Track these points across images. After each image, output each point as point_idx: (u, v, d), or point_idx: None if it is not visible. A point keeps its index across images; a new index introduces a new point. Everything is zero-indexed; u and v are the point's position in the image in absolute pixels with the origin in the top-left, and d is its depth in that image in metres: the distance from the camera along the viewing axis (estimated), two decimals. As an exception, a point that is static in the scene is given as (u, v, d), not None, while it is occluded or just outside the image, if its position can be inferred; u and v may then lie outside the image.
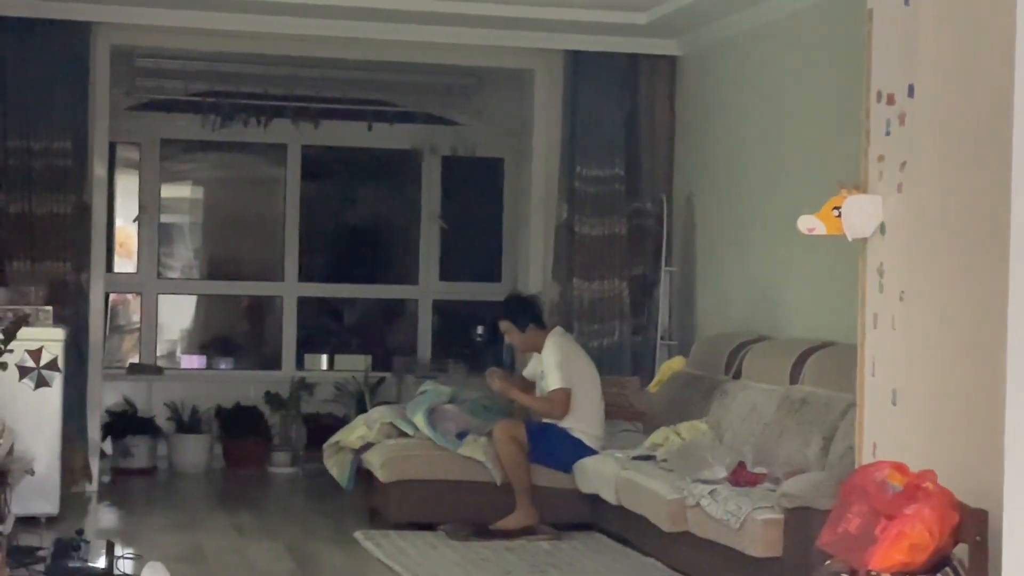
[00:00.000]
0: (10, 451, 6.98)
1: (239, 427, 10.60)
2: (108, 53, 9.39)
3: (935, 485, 4.09)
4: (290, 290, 11.31)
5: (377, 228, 11.96)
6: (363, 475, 8.44)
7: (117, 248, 11.23)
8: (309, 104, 10.95)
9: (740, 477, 6.72)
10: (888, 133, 4.80)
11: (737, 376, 8.07)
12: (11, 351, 7.38)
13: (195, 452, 10.49)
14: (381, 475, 8.05)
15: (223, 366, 11.30)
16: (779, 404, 7.27)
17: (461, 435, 8.13)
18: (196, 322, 11.72)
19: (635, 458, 7.68)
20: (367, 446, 8.35)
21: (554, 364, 8.07)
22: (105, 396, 9.90)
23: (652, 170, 9.89)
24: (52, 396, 7.98)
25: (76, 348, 8.86)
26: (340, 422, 9.79)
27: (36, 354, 7.92)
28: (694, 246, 9.59)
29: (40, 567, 6.41)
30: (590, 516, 7.99)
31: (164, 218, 11.29)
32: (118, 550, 6.77)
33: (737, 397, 7.78)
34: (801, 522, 5.85)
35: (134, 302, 11.32)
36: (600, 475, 7.70)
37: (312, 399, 10.83)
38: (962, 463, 4.26)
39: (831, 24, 7.83)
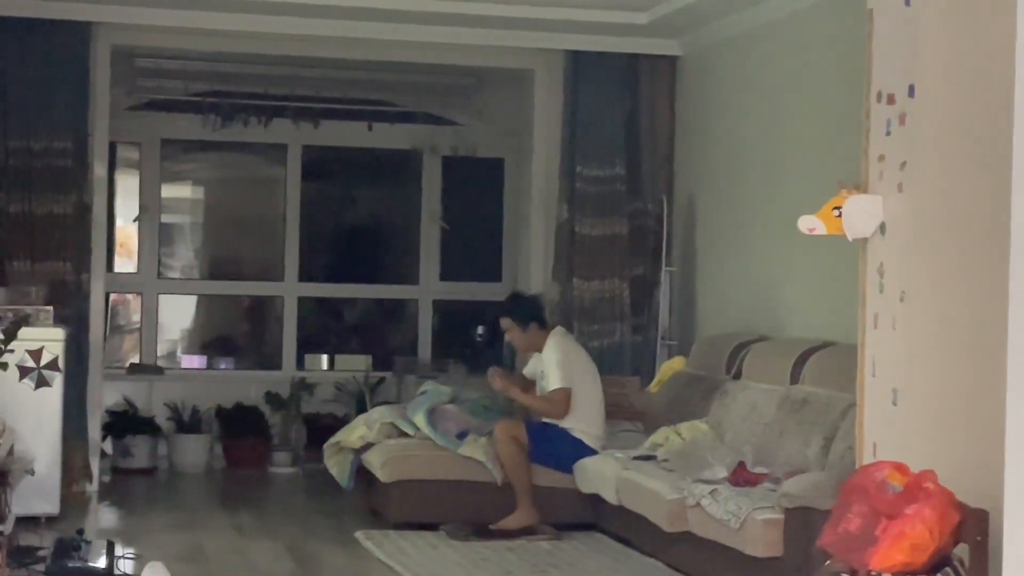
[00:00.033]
0: (10, 451, 6.99)
1: (239, 427, 10.60)
2: (108, 53, 9.39)
3: (935, 485, 4.09)
4: (290, 290, 11.31)
5: (377, 228, 11.96)
6: (363, 475, 8.44)
7: (117, 248, 11.23)
8: (309, 104, 10.96)
9: (740, 477, 6.72)
10: (888, 133, 4.80)
11: (737, 376, 8.07)
12: (12, 351, 7.39)
13: (195, 452, 10.49)
14: (381, 475, 8.05)
15: (223, 366, 11.31)
16: (779, 404, 7.27)
17: (461, 435, 8.13)
18: (196, 322, 11.72)
19: (636, 458, 7.68)
20: (367, 446, 8.36)
21: (555, 364, 8.07)
22: (105, 396, 9.90)
23: (652, 170, 9.90)
24: (52, 396, 7.98)
25: (76, 348, 8.86)
26: (340, 422, 9.79)
27: (36, 354, 7.91)
28: (694, 246, 9.59)
29: (40, 567, 6.41)
30: (591, 516, 7.99)
31: (164, 218, 11.29)
32: (118, 550, 6.77)
33: (737, 397, 7.78)
34: (801, 522, 5.85)
35: (134, 302, 11.32)
36: (601, 475, 7.70)
37: (312, 399, 10.83)
38: (963, 463, 4.26)
39: (831, 24, 7.83)
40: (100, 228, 9.41)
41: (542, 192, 10.01)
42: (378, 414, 8.53)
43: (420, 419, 8.20)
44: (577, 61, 9.76)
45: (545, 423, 8.12)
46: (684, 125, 9.85)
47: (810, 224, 4.85)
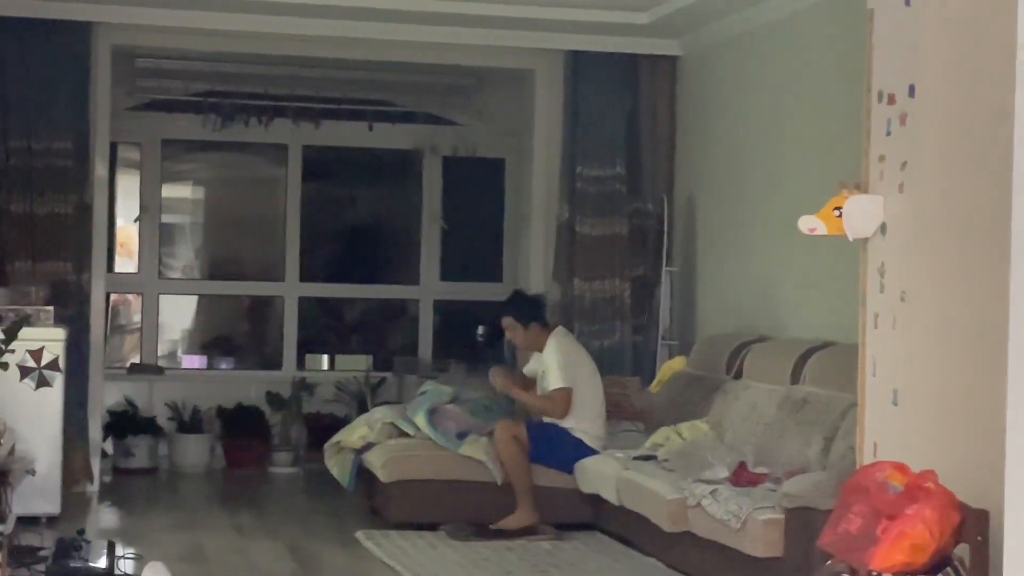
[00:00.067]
0: (11, 451, 6.99)
1: (240, 427, 10.60)
2: (109, 53, 9.39)
3: (936, 485, 4.09)
4: (291, 290, 11.31)
5: (378, 228, 11.96)
6: (364, 475, 8.44)
7: (118, 248, 11.23)
8: (310, 104, 10.95)
9: (741, 477, 6.71)
10: (889, 133, 4.80)
11: (738, 376, 8.07)
12: (12, 351, 7.39)
13: (196, 452, 10.50)
14: (382, 475, 8.05)
15: (224, 366, 11.32)
16: (780, 404, 7.27)
17: (462, 435, 8.13)
18: (197, 322, 11.73)
19: (636, 458, 7.68)
20: (368, 446, 8.36)
21: (556, 363, 8.07)
22: (106, 396, 9.90)
23: (653, 170, 9.90)
24: (53, 396, 7.98)
25: (77, 348, 8.86)
26: (341, 422, 9.79)
27: (37, 354, 7.92)
28: (695, 246, 9.59)
29: (41, 567, 6.41)
30: (591, 516, 7.99)
31: (165, 218, 11.29)
32: (119, 550, 6.78)
33: (738, 397, 7.78)
34: (802, 522, 5.85)
35: (135, 302, 11.32)
36: (601, 475, 7.70)
37: (313, 399, 10.83)
38: (963, 463, 4.26)
39: (831, 24, 7.83)
40: (101, 228, 9.41)
41: (542, 192, 10.01)
42: (379, 414, 8.53)
43: (421, 419, 8.20)
44: (577, 61, 9.76)
45: (546, 423, 8.12)
46: (684, 125, 9.85)
47: (811, 224, 4.85)
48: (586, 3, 9.06)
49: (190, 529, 8.12)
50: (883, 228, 4.82)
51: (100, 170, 9.40)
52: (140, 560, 6.53)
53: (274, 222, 11.43)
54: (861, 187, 4.91)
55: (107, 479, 9.74)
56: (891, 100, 4.79)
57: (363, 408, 9.94)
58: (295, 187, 11.27)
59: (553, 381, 8.07)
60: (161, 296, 11.20)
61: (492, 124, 11.21)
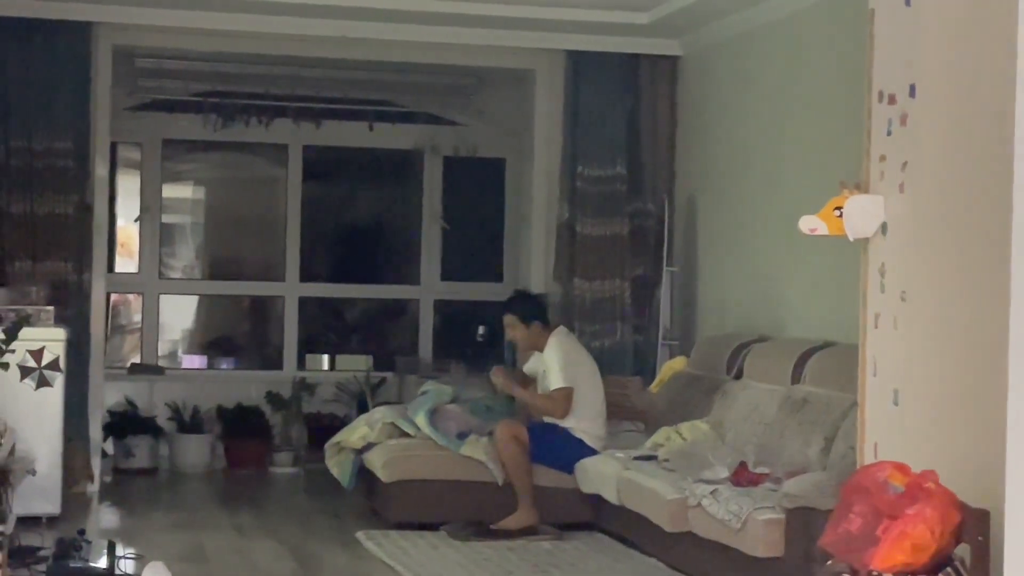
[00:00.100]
0: (11, 451, 6.99)
1: (240, 427, 10.60)
2: (110, 53, 9.39)
3: (937, 485, 4.09)
4: (291, 290, 11.31)
5: (378, 228, 11.96)
6: (364, 475, 8.44)
7: (118, 248, 11.23)
8: (310, 104, 10.96)
9: (742, 477, 6.71)
10: (889, 133, 4.80)
11: (738, 376, 8.07)
12: (13, 351, 7.40)
13: (196, 452, 10.49)
14: (383, 475, 8.05)
15: (224, 366, 11.31)
16: (780, 404, 7.27)
17: (462, 435, 8.13)
18: (197, 322, 11.73)
19: (636, 458, 7.68)
20: (368, 446, 8.36)
21: (557, 363, 8.07)
22: (106, 396, 9.90)
23: (653, 170, 9.90)
24: (53, 396, 7.98)
25: (77, 348, 8.86)
26: (341, 422, 9.80)
27: (38, 354, 7.91)
28: (695, 246, 9.59)
29: (41, 567, 6.41)
30: (591, 516, 7.99)
31: (165, 218, 11.29)
32: (119, 550, 6.77)
33: (739, 397, 7.78)
34: (803, 522, 5.85)
35: (135, 302, 11.32)
36: (602, 475, 7.70)
37: (313, 399, 10.83)
38: (964, 463, 4.26)
39: (831, 24, 7.83)
40: (101, 228, 9.42)
41: (543, 192, 10.01)
42: (379, 414, 8.53)
43: (421, 419, 8.20)
44: (578, 61, 9.76)
45: (546, 423, 8.12)
46: (684, 125, 9.85)
47: (811, 224, 4.85)
48: (586, 3, 9.07)
49: (190, 529, 8.12)
50: (884, 228, 4.82)
51: (101, 170, 9.40)
52: (140, 560, 6.54)
53: (274, 222, 11.43)
54: (861, 187, 4.91)
55: (107, 479, 9.74)
56: (891, 100, 4.79)
57: (363, 408, 9.93)
58: (295, 187, 11.27)
59: (554, 381, 8.07)
60: (161, 296, 11.20)
61: (492, 124, 11.20)
